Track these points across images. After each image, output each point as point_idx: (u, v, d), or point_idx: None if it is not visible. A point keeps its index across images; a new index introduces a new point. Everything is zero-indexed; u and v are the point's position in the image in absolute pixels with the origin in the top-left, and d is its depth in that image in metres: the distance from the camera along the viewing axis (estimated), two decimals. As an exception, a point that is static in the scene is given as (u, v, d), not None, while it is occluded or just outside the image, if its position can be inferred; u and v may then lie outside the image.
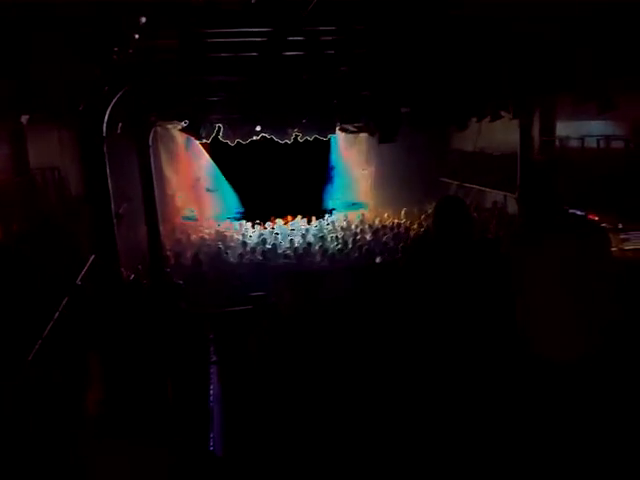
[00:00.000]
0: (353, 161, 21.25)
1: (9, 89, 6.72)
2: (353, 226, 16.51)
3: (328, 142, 18.07)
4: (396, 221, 16.42)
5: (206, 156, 19.84)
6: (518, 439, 3.72)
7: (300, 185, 19.72)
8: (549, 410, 3.49)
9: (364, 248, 12.48)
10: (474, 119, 12.44)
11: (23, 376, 5.37)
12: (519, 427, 3.70)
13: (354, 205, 20.65)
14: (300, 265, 11.92)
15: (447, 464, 3.93)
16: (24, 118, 8.66)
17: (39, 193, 10.69)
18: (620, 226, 9.55)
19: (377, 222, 16.67)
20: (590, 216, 9.63)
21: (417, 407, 4.32)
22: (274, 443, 5.08)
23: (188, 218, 19.28)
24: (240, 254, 13.09)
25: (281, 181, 19.86)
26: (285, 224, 17.39)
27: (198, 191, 20.02)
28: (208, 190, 20.13)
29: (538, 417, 3.54)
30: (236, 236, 15.85)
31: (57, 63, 6.03)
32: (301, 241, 14.53)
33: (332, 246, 13.36)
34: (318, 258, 12.50)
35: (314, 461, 4.74)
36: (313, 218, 17.85)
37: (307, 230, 16.42)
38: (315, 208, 19.40)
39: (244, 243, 14.07)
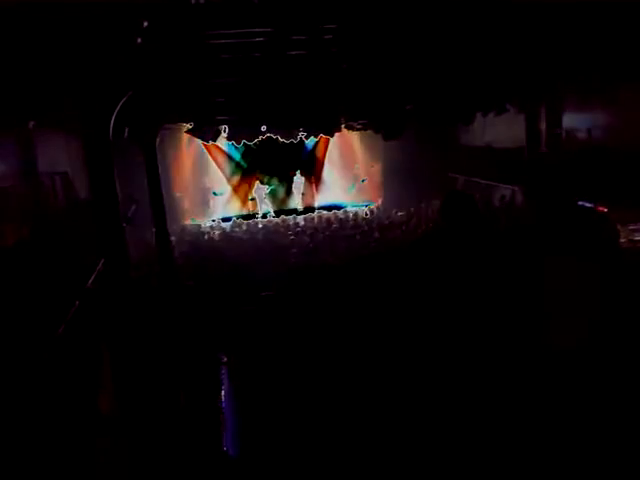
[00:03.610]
0: (360, 158, 21.31)
1: (16, 95, 6.78)
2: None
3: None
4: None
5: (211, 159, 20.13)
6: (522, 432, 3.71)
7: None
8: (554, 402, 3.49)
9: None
10: (479, 114, 12.41)
11: (36, 379, 5.42)
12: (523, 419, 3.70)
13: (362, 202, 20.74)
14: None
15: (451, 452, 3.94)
16: (31, 124, 8.72)
17: (48, 198, 10.76)
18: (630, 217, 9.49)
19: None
20: (599, 208, 9.59)
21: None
22: (287, 442, 5.10)
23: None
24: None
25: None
26: None
27: (205, 194, 20.18)
28: (215, 194, 20.25)
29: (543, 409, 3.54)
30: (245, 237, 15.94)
31: (61, 68, 6.07)
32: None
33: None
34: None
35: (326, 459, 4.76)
36: None
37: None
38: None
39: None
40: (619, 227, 8.14)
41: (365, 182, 21.07)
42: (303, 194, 20.55)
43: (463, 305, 3.88)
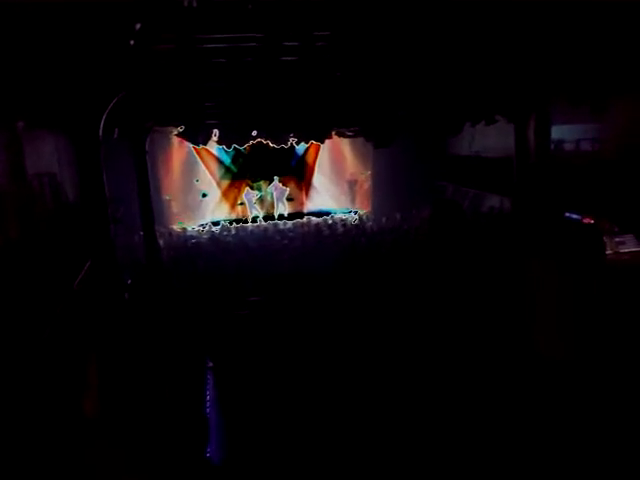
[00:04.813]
0: (350, 165, 21.38)
1: (5, 95, 6.73)
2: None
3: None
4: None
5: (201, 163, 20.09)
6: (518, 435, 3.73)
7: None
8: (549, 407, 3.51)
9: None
10: (468, 123, 12.50)
11: (22, 380, 5.36)
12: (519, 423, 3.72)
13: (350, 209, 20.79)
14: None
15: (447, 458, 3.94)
16: (20, 124, 8.65)
17: (35, 199, 10.66)
18: (616, 229, 9.57)
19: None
20: (586, 220, 9.66)
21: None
22: (273, 447, 5.08)
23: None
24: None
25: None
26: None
27: (194, 196, 20.16)
28: (204, 195, 20.25)
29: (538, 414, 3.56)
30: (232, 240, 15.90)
31: (53, 69, 6.05)
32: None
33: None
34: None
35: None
36: None
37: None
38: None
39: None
40: (605, 239, 8.21)
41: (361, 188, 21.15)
42: (290, 199, 20.55)
43: (449, 310, 3.90)
